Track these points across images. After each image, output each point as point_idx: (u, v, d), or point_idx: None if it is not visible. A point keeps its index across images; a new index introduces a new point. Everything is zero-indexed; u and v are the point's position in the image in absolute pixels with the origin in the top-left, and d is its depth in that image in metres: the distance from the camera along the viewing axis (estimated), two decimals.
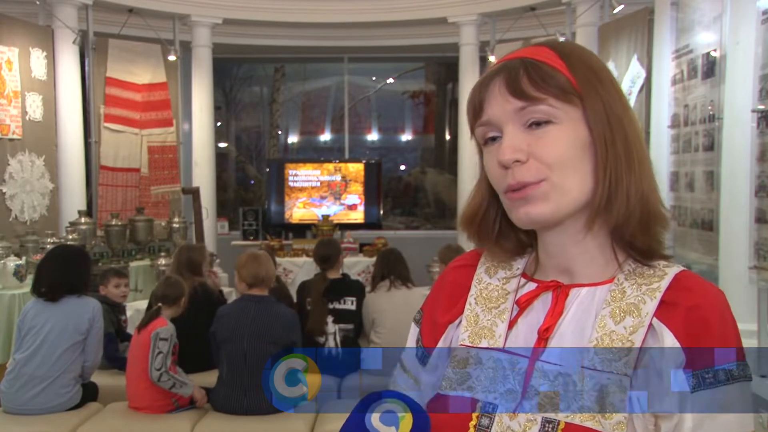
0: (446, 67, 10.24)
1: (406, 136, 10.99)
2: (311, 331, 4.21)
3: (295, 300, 4.59)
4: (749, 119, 3.52)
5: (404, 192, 10.82)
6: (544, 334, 0.91)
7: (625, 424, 0.83)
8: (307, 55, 10.03)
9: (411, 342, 1.07)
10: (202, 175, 7.70)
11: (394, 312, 4.32)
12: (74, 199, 6.51)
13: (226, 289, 6.13)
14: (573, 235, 0.92)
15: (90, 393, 3.65)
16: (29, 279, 4.60)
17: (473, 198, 1.00)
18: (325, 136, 10.83)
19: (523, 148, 0.87)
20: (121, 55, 7.14)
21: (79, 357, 3.52)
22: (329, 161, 8.94)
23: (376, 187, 8.56)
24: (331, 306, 4.36)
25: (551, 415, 0.87)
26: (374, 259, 5.01)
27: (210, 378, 3.81)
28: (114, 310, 4.27)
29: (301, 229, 8.33)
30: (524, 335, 0.94)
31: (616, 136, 0.89)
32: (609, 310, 0.89)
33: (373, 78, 10.71)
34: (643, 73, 5.14)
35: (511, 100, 0.88)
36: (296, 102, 10.89)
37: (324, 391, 4.09)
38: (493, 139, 0.91)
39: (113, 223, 5.94)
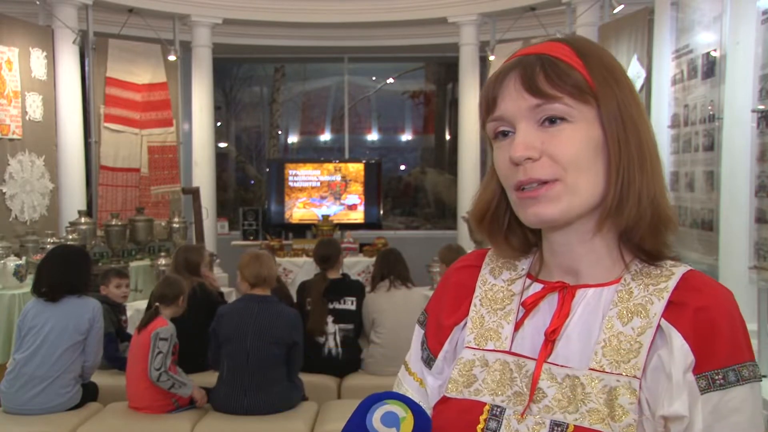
0: (446, 67, 10.24)
1: (406, 136, 10.99)
2: (311, 331, 4.21)
3: (295, 300, 4.59)
4: (749, 119, 3.52)
5: (404, 192, 10.82)
6: (551, 336, 0.90)
7: (635, 427, 0.82)
8: (307, 55, 10.03)
9: (416, 344, 1.05)
10: (202, 175, 7.70)
11: (394, 312, 4.32)
12: (74, 199, 6.51)
13: (225, 290, 6.13)
14: (581, 236, 0.91)
15: (90, 393, 3.65)
16: (29, 279, 4.60)
17: (483, 192, 0.98)
18: (325, 136, 10.83)
19: (537, 145, 0.86)
20: (121, 55, 7.14)
21: (79, 357, 3.52)
22: (329, 161, 8.94)
23: (376, 187, 8.55)
24: (331, 306, 4.36)
25: (560, 418, 0.86)
26: (374, 259, 5.01)
27: (210, 378, 3.81)
28: (114, 310, 4.27)
29: (301, 229, 8.33)
30: (531, 337, 0.93)
31: (629, 137, 0.87)
32: (616, 311, 0.88)
33: (373, 78, 10.71)
34: (643, 73, 5.13)
35: (526, 97, 0.86)
36: (296, 102, 10.89)
37: (324, 391, 4.09)
38: (504, 133, 0.90)
39: (113, 223, 5.93)
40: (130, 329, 4.19)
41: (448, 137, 10.58)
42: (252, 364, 3.47)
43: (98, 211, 6.89)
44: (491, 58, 7.48)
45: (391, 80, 10.71)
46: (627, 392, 0.83)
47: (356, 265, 6.83)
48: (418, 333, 1.05)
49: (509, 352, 0.93)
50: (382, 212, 8.84)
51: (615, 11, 6.02)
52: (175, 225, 6.67)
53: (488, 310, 0.98)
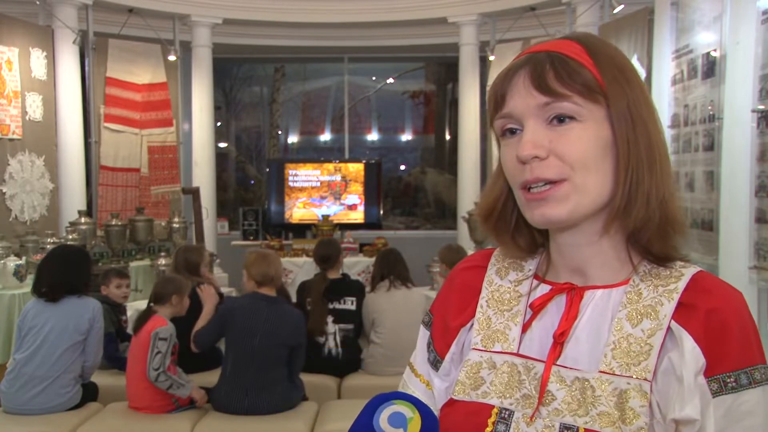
0: (446, 67, 10.24)
1: (406, 136, 10.99)
2: (311, 331, 4.21)
3: (295, 300, 4.59)
4: (749, 119, 3.52)
5: (404, 192, 10.82)
6: (560, 338, 0.89)
7: (646, 430, 0.81)
8: (307, 55, 10.03)
9: (421, 345, 1.03)
10: (202, 175, 7.70)
11: (394, 312, 4.32)
12: (74, 199, 6.51)
13: (225, 290, 6.13)
14: (588, 237, 0.89)
15: (90, 393, 3.65)
16: (29, 279, 4.60)
17: (491, 190, 0.97)
18: (325, 136, 10.83)
19: (544, 144, 0.85)
20: (121, 55, 7.14)
21: (79, 357, 3.52)
22: (329, 161, 8.94)
23: (376, 187, 8.55)
24: (331, 306, 4.36)
25: (570, 421, 0.85)
26: (374, 259, 5.01)
27: (210, 378, 3.81)
28: (114, 310, 4.27)
29: (301, 229, 8.33)
30: (539, 339, 0.92)
31: (639, 137, 0.86)
32: (625, 313, 0.87)
33: (373, 78, 10.71)
34: (643, 73, 5.13)
35: (535, 95, 0.85)
36: (296, 102, 10.89)
37: (324, 391, 4.09)
38: (512, 131, 0.88)
39: (113, 223, 5.93)
40: (131, 329, 4.19)
41: (448, 137, 10.58)
42: (257, 364, 3.47)
43: (98, 211, 6.89)
44: (491, 58, 7.48)
45: (391, 80, 10.71)
46: (638, 395, 0.82)
47: (356, 265, 6.83)
48: (423, 334, 1.04)
49: (517, 354, 0.92)
50: (382, 212, 8.84)
51: (615, 11, 6.02)
52: (175, 225, 6.67)
53: (495, 311, 0.97)
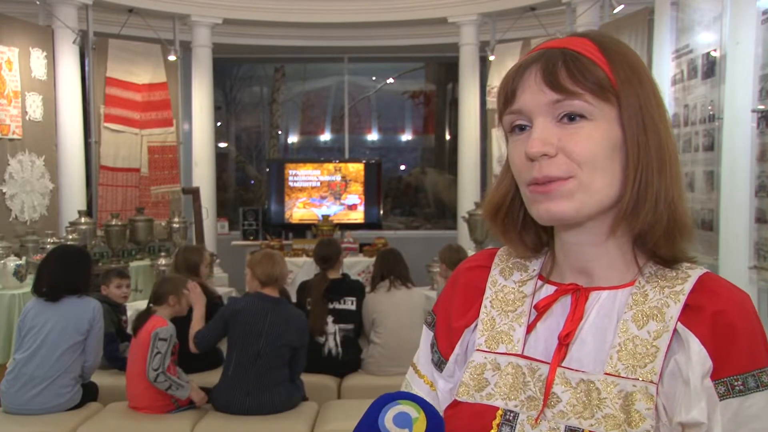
0: (446, 67, 10.24)
1: (406, 136, 11.00)
2: (311, 331, 4.20)
3: (295, 300, 4.59)
4: (749, 119, 3.52)
5: (404, 192, 10.82)
6: (565, 340, 0.88)
7: None
8: (307, 55, 10.03)
9: (424, 346, 1.02)
10: (202, 175, 7.70)
11: (394, 312, 4.33)
12: (74, 199, 6.51)
13: (225, 290, 6.14)
14: (594, 237, 0.88)
15: (90, 393, 3.65)
16: (29, 279, 4.60)
17: (498, 187, 0.96)
18: (325, 136, 10.83)
19: (553, 142, 0.83)
20: (121, 55, 7.14)
21: (79, 357, 3.52)
22: (329, 161, 8.94)
23: (376, 187, 8.55)
24: (331, 306, 4.36)
25: (575, 424, 0.84)
26: (374, 259, 5.01)
27: (210, 378, 3.81)
28: (115, 310, 4.27)
29: (301, 229, 8.33)
30: (544, 340, 0.91)
31: (649, 139, 0.85)
32: (631, 314, 0.86)
33: (373, 78, 10.71)
34: None
35: (547, 92, 0.84)
36: (296, 102, 10.89)
37: (324, 391, 4.09)
38: (521, 128, 0.87)
39: (113, 223, 5.94)
40: (131, 329, 4.19)
41: (448, 137, 10.58)
42: (260, 365, 3.46)
43: (98, 211, 6.89)
44: (491, 58, 7.49)
45: (391, 80, 10.71)
46: (643, 398, 0.82)
47: (356, 265, 6.83)
48: (426, 335, 1.03)
49: (521, 356, 0.91)
50: (382, 212, 8.83)
51: (615, 11, 6.02)
52: (175, 225, 6.67)
53: (499, 312, 0.96)
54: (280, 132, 10.87)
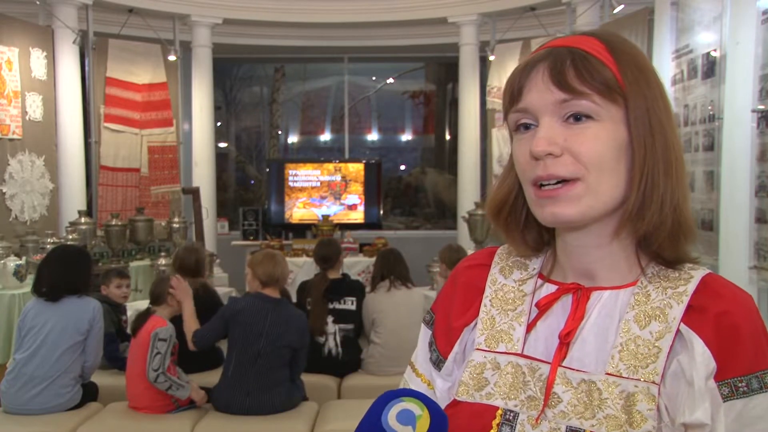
0: (446, 67, 10.24)
1: (406, 136, 11.00)
2: (311, 331, 4.20)
3: (295, 300, 4.59)
4: (749, 119, 3.52)
5: (404, 192, 10.82)
6: (566, 339, 0.87)
7: None
8: (307, 55, 10.03)
9: (423, 344, 1.01)
10: (202, 175, 7.70)
11: (394, 312, 4.32)
12: (74, 199, 6.51)
13: (225, 289, 6.14)
14: (598, 239, 0.88)
15: (90, 393, 3.65)
16: (29, 279, 4.60)
17: (501, 185, 0.95)
18: (325, 136, 10.83)
19: (559, 141, 0.83)
20: (121, 55, 7.14)
21: (79, 357, 3.52)
22: (329, 161, 8.94)
23: (376, 187, 8.55)
24: (331, 306, 4.36)
25: (576, 424, 0.83)
26: (374, 259, 5.01)
27: (210, 378, 3.81)
28: (115, 310, 4.27)
29: (301, 229, 8.33)
30: (544, 339, 0.90)
31: (656, 141, 0.84)
32: (633, 315, 0.86)
33: (373, 78, 10.71)
34: None
35: (554, 91, 0.83)
36: (296, 102, 10.89)
37: (324, 391, 4.09)
38: (526, 126, 0.86)
39: (113, 223, 5.94)
40: (130, 329, 4.19)
41: (448, 137, 10.58)
42: (260, 365, 3.46)
43: (98, 211, 6.89)
44: (491, 58, 7.49)
45: (391, 80, 10.71)
46: (645, 398, 0.81)
47: (356, 265, 6.83)
48: (424, 333, 1.02)
49: (521, 355, 0.91)
50: (382, 212, 8.84)
51: (615, 11, 6.02)
52: (175, 225, 6.67)
53: (499, 310, 0.95)
54: (280, 132, 10.87)
